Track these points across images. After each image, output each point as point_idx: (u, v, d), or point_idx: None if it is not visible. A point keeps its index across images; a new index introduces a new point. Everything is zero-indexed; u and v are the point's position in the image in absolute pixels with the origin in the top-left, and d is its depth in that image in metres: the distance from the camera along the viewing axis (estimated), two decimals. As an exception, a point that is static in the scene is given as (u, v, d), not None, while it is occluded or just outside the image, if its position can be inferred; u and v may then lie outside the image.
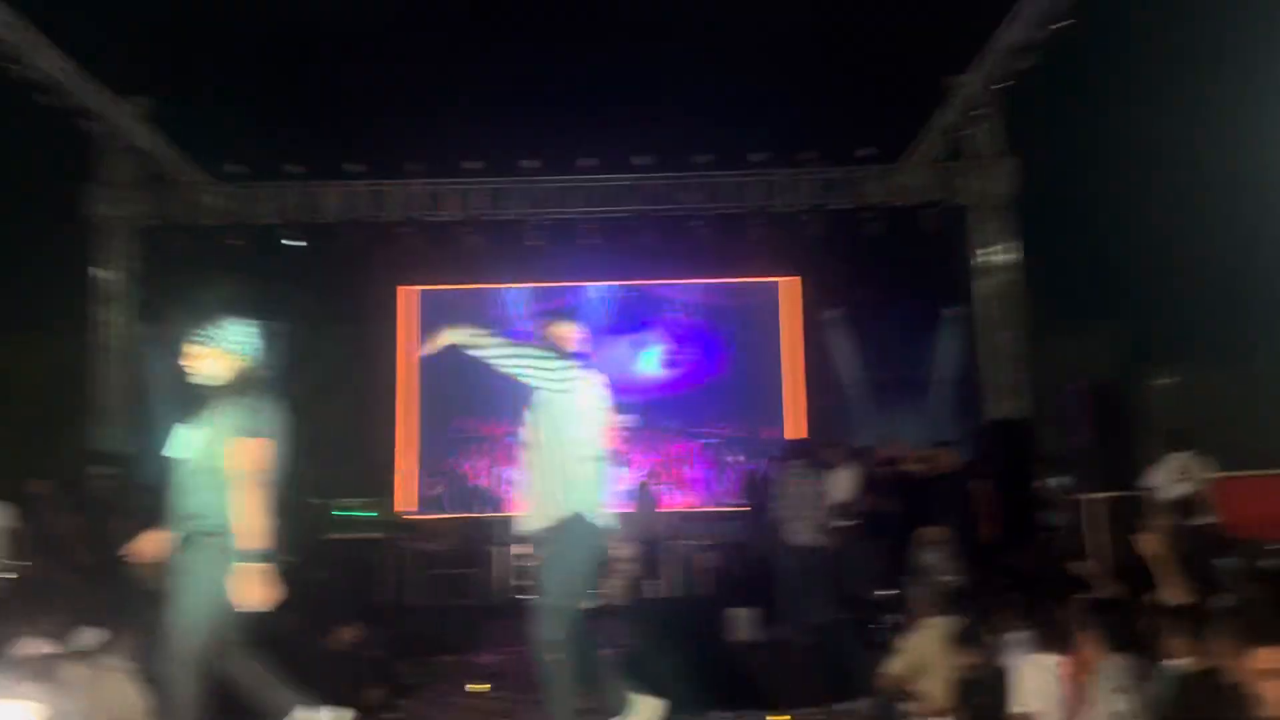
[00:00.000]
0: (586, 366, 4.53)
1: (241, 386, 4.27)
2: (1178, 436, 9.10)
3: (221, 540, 3.98)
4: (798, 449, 10.55)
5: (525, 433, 4.45)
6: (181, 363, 4.29)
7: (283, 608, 4.04)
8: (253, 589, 3.91)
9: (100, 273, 14.78)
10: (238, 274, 14.77)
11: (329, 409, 12.77)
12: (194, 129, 14.26)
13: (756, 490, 11.54)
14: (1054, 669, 4.91)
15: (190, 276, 15.00)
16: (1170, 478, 8.89)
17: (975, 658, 5.19)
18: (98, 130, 13.73)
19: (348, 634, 6.45)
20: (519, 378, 4.36)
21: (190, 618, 3.98)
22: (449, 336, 4.33)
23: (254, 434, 4.12)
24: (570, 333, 4.70)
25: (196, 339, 4.27)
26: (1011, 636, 5.73)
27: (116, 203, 14.80)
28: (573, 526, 4.25)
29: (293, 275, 14.44)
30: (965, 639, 5.30)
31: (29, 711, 3.09)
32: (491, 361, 4.32)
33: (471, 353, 4.32)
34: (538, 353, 4.42)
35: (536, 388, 4.38)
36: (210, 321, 4.28)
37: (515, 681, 7.47)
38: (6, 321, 13.45)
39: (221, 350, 4.25)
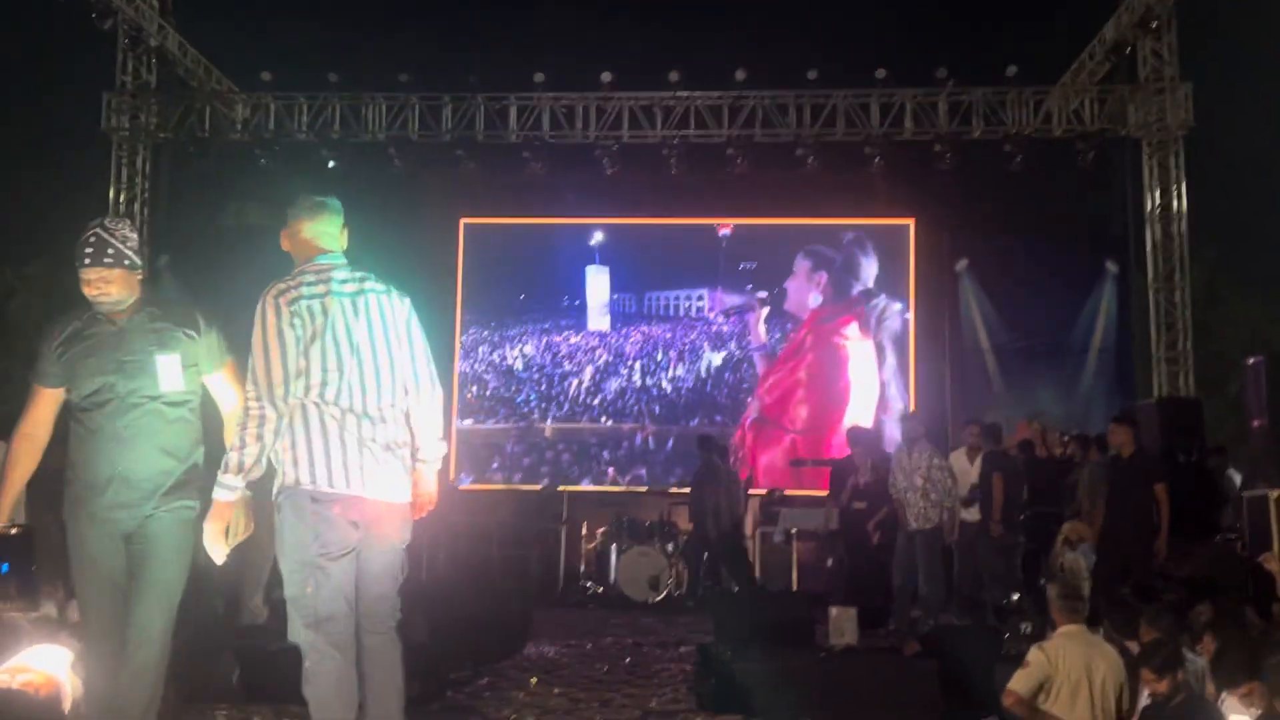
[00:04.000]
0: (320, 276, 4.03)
1: (164, 303, 4.34)
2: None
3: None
4: (914, 425, 10.42)
5: None
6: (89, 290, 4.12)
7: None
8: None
9: (115, 193, 15.15)
10: (266, 198, 15.05)
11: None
12: (221, 28, 14.45)
13: (843, 474, 11.40)
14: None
15: (212, 199, 15.32)
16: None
17: (1161, 679, 5.05)
18: (119, 29, 13.99)
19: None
20: None
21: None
22: None
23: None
24: (313, 233, 4.15)
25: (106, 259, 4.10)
26: (1197, 652, 5.60)
27: (133, 113, 15.09)
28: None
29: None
30: (1149, 659, 5.17)
31: (59, 655, 3.37)
32: None
33: None
34: None
35: None
36: (109, 233, 4.12)
37: (575, 678, 7.51)
38: (19, 249, 13.89)
39: (127, 266, 4.15)
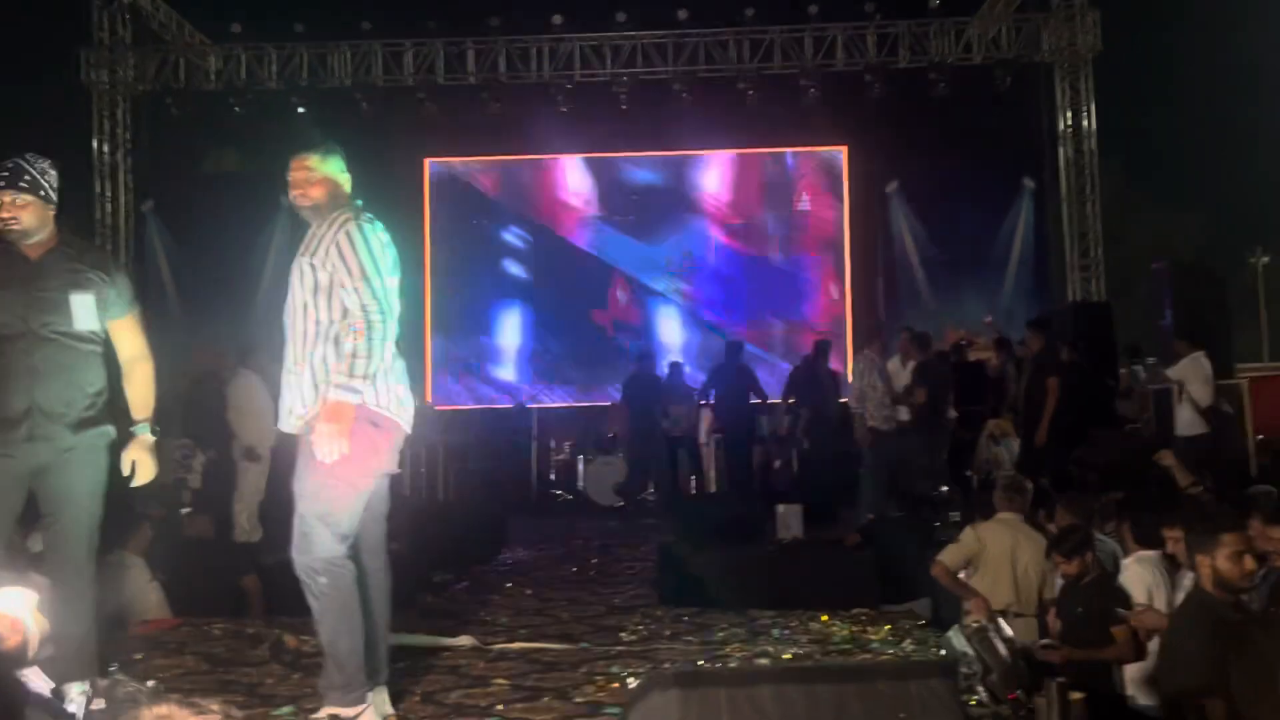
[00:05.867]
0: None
1: (80, 244, 4.03)
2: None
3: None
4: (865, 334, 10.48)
5: None
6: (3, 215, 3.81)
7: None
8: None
9: (98, 144, 14.79)
10: (241, 144, 14.76)
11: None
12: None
13: (798, 383, 11.45)
14: (1157, 564, 4.92)
15: (190, 146, 15.01)
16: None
17: (1071, 561, 5.14)
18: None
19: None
20: None
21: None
22: None
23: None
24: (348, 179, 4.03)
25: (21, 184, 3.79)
26: (1106, 534, 5.70)
27: (111, 67, 14.67)
28: None
29: (301, 145, 14.32)
30: (1059, 544, 5.25)
31: (25, 597, 3.22)
32: None
33: None
34: None
35: None
36: (28, 163, 3.82)
37: (547, 579, 7.59)
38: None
39: (42, 198, 3.83)
